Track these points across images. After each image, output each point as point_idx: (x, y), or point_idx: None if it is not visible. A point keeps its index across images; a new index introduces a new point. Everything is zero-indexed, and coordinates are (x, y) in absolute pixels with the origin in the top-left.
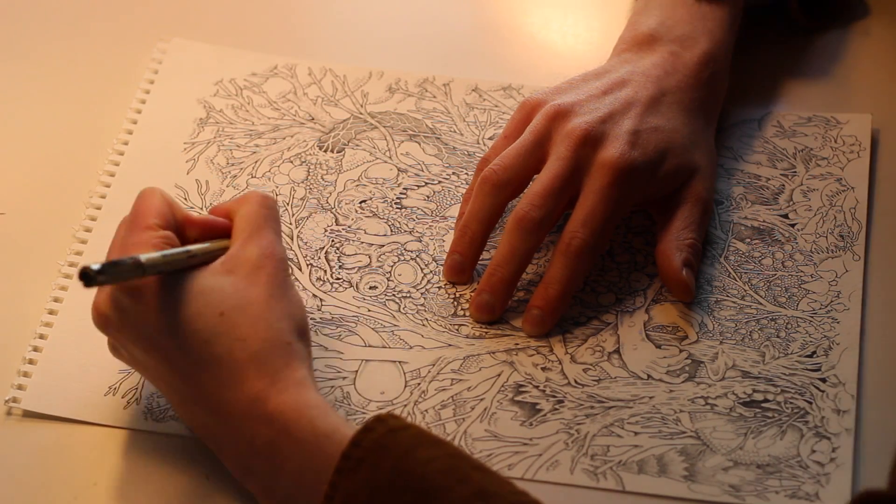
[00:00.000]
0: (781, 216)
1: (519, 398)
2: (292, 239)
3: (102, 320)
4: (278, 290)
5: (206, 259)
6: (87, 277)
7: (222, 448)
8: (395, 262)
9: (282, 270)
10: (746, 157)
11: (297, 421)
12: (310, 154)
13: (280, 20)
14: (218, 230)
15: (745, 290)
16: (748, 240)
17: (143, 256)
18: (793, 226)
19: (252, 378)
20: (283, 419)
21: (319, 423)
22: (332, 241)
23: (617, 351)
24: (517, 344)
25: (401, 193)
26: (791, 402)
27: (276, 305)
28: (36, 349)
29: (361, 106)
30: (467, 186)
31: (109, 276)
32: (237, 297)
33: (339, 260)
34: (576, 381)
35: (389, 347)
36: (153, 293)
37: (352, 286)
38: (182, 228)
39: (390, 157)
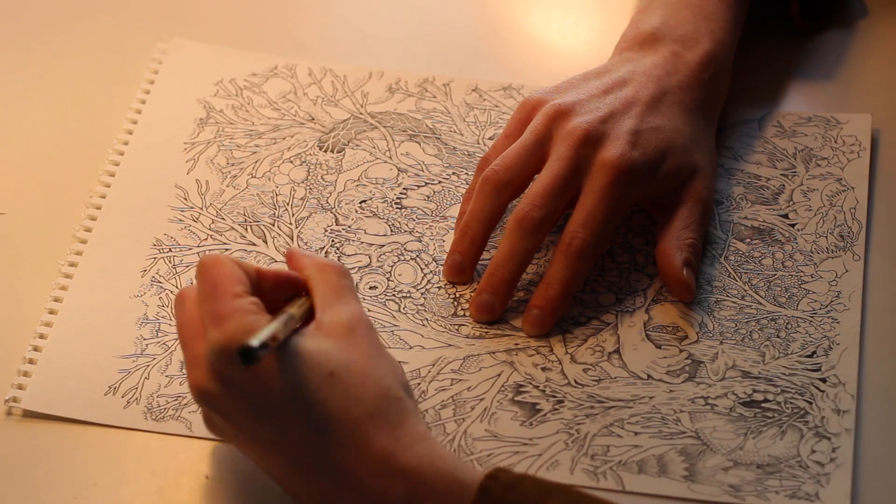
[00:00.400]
0: (781, 216)
1: (519, 398)
2: (292, 239)
3: (208, 397)
4: (376, 350)
5: (302, 320)
6: (249, 356)
7: None
8: (395, 262)
9: (374, 333)
10: (746, 157)
11: (436, 473)
12: (310, 154)
13: (280, 20)
14: (291, 285)
15: (745, 290)
16: (748, 240)
17: (275, 327)
18: (793, 226)
19: (373, 435)
20: (418, 472)
21: (460, 473)
22: (332, 241)
23: (617, 351)
24: (517, 344)
25: (401, 193)
26: (791, 402)
27: (378, 364)
28: (36, 349)
29: (361, 106)
30: (467, 186)
31: (266, 351)
32: (342, 356)
33: (339, 260)
34: (576, 381)
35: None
36: (266, 361)
37: None
38: (256, 285)
39: (390, 157)
